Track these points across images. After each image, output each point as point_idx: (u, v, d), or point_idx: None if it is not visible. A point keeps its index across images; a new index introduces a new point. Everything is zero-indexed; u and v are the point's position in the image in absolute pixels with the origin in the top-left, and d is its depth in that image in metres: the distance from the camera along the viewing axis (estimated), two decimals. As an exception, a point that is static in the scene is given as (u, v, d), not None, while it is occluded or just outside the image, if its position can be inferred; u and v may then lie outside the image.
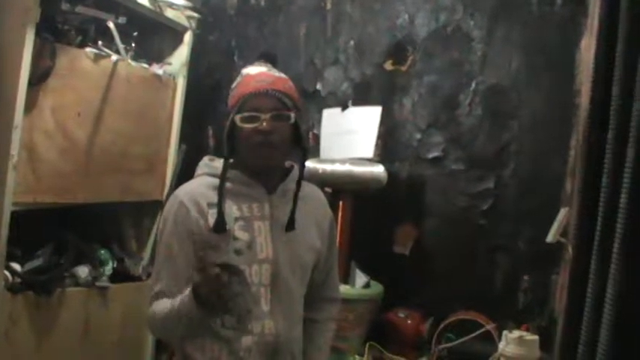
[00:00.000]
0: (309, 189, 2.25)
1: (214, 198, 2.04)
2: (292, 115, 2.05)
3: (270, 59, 2.19)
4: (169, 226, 2.08)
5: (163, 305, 2.03)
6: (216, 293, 1.87)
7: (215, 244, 2.01)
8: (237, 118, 2.03)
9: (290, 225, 2.11)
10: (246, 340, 2.03)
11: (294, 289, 2.15)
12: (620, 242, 1.66)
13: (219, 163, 2.10)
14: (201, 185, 2.11)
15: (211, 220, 2.02)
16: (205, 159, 2.22)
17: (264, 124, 1.99)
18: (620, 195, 1.68)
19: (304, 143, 2.16)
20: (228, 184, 2.06)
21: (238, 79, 2.14)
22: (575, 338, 1.82)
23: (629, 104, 1.69)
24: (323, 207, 2.32)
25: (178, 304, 1.96)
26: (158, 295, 2.08)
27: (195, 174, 2.20)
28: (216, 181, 2.06)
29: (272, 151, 2.03)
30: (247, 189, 2.09)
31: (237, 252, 2.03)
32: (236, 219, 2.05)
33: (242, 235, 2.04)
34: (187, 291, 1.93)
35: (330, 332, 2.38)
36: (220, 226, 2.01)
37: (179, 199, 2.08)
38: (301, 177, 2.15)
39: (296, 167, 2.19)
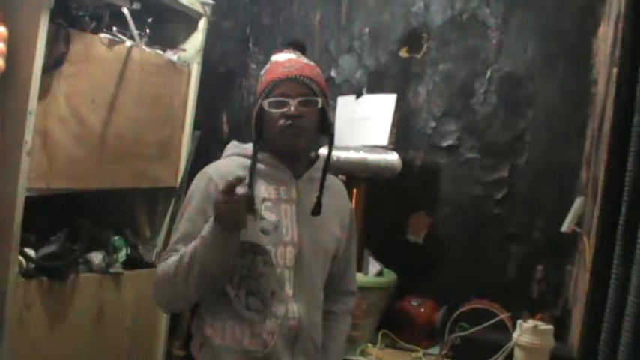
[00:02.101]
0: (332, 181, 2.29)
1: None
2: (320, 100, 2.07)
3: (299, 48, 2.21)
4: (195, 201, 2.10)
5: (171, 260, 2.03)
6: (238, 209, 1.88)
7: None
8: (266, 102, 2.05)
9: (316, 209, 2.11)
10: (270, 323, 2.05)
11: (316, 275, 2.18)
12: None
13: (248, 146, 2.13)
14: (231, 165, 2.13)
15: None
16: (234, 142, 2.25)
17: (292, 108, 2.02)
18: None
19: (331, 129, 2.17)
20: (257, 166, 2.08)
21: (267, 65, 2.15)
22: (597, 326, 1.80)
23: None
24: (345, 199, 2.36)
25: (192, 246, 1.96)
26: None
27: (224, 155, 2.23)
28: (246, 161, 2.09)
29: (298, 135, 2.06)
30: (275, 172, 2.12)
31: (264, 232, 2.05)
32: (263, 200, 2.08)
33: (269, 216, 2.07)
34: (200, 236, 1.94)
35: (347, 325, 2.39)
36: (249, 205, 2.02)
37: (208, 176, 2.10)
38: (328, 164, 2.17)
39: (322, 157, 2.22)
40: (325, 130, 2.17)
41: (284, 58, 2.14)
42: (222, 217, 1.89)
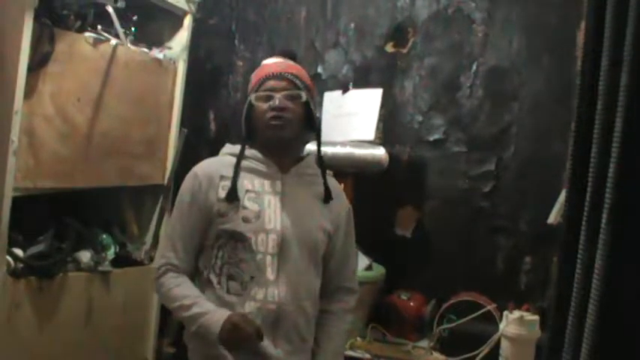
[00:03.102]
0: (331, 179, 2.39)
1: (228, 172, 2.20)
2: (303, 93, 2.21)
3: (289, 55, 2.39)
4: (185, 202, 2.24)
5: (176, 291, 2.18)
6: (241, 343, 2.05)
7: (223, 212, 2.16)
8: (253, 96, 2.22)
9: (327, 197, 2.29)
10: (249, 306, 2.12)
11: (302, 263, 2.23)
12: (608, 214, 1.67)
13: (239, 146, 2.26)
14: (219, 161, 2.28)
15: (221, 192, 2.17)
16: (227, 144, 2.37)
17: (277, 101, 2.17)
18: (609, 166, 1.69)
19: (316, 123, 2.31)
20: (244, 161, 2.22)
21: (257, 69, 2.32)
22: (565, 311, 1.83)
23: (618, 75, 1.70)
24: (341, 197, 2.44)
25: (197, 314, 2.10)
26: (165, 270, 2.22)
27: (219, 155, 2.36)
28: (234, 159, 2.23)
29: (283, 127, 2.18)
30: (262, 167, 2.24)
31: (245, 220, 2.16)
32: (247, 191, 2.19)
33: (251, 206, 2.18)
34: (210, 313, 2.09)
35: (345, 323, 2.43)
36: (232, 194, 2.15)
37: (194, 173, 2.26)
38: (319, 154, 2.32)
39: (311, 154, 2.36)
40: (311, 124, 2.29)
41: (272, 60, 2.33)
42: (226, 334, 2.03)
